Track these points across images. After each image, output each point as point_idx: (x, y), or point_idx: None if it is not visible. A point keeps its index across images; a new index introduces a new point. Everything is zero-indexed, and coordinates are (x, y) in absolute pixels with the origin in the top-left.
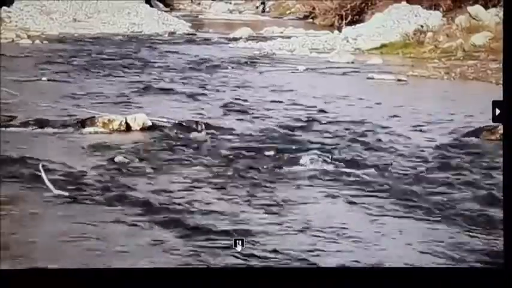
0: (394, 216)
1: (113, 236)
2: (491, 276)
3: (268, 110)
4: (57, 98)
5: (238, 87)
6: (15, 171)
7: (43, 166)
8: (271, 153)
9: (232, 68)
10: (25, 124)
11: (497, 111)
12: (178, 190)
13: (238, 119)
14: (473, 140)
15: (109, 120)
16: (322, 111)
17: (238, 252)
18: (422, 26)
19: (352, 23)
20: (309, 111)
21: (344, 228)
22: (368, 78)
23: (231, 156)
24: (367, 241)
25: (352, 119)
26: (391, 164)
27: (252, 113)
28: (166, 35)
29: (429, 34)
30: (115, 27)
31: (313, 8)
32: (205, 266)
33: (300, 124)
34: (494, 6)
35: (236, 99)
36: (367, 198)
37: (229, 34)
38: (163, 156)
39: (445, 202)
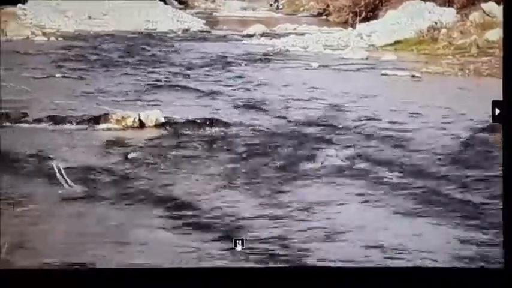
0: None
1: (123, 233)
2: (491, 276)
3: (282, 107)
4: (71, 94)
5: (253, 83)
6: (29, 167)
7: (56, 163)
8: (286, 150)
9: (246, 65)
10: (39, 121)
11: (497, 111)
12: (192, 187)
13: (252, 117)
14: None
15: (122, 117)
16: (335, 107)
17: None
18: (436, 23)
19: (366, 19)
20: (323, 107)
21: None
22: (382, 74)
23: (244, 155)
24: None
25: (367, 115)
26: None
27: (267, 110)
28: (181, 32)
29: (443, 31)
30: (130, 25)
31: (327, 6)
32: (205, 266)
33: (314, 121)
34: None
35: (250, 96)
36: (383, 196)
37: (243, 31)
38: (176, 153)
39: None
